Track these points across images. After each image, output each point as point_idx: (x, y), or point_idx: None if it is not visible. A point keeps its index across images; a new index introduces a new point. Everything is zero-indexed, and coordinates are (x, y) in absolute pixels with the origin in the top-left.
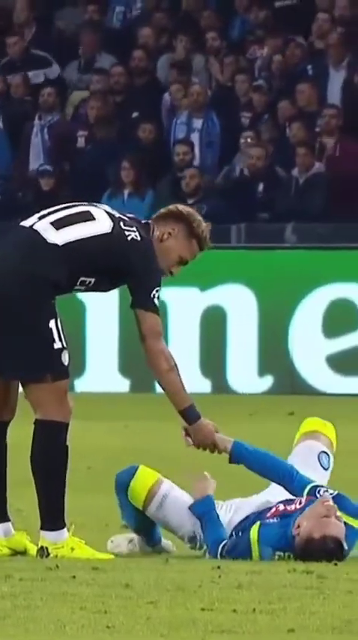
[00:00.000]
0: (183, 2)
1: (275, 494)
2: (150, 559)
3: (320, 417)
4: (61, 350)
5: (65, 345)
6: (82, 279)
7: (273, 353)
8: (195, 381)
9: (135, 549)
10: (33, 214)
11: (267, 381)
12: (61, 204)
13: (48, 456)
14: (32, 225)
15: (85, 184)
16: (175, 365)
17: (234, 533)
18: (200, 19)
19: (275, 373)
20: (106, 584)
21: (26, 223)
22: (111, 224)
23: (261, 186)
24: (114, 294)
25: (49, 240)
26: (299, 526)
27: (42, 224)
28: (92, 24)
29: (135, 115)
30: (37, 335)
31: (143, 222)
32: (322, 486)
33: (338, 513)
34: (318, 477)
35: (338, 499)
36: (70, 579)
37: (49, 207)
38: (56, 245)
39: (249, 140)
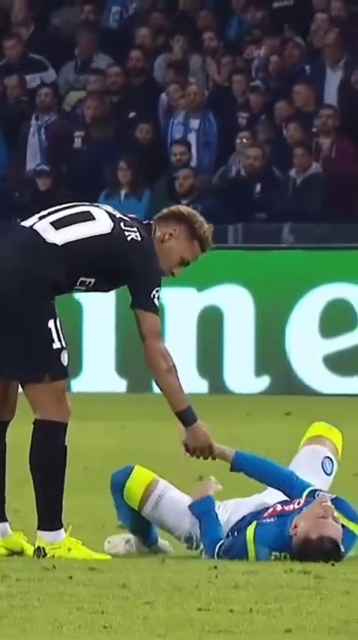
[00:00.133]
0: (180, 2)
1: (272, 495)
2: (146, 559)
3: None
4: (60, 350)
5: (64, 345)
6: (81, 279)
7: (270, 353)
8: (192, 382)
9: (132, 550)
10: (30, 214)
11: (264, 381)
12: (60, 204)
13: (46, 456)
14: (32, 225)
15: (81, 184)
16: (174, 366)
17: (230, 533)
18: (197, 20)
19: (272, 373)
20: (103, 584)
21: (26, 223)
22: (112, 224)
23: (258, 187)
24: (111, 295)
25: (48, 240)
26: (296, 526)
27: (42, 224)
28: (88, 24)
29: (132, 115)
30: (36, 335)
31: (145, 222)
32: (321, 490)
33: (336, 514)
34: (320, 482)
35: (336, 502)
36: (67, 580)
37: (46, 207)
38: (55, 245)
39: (244, 140)
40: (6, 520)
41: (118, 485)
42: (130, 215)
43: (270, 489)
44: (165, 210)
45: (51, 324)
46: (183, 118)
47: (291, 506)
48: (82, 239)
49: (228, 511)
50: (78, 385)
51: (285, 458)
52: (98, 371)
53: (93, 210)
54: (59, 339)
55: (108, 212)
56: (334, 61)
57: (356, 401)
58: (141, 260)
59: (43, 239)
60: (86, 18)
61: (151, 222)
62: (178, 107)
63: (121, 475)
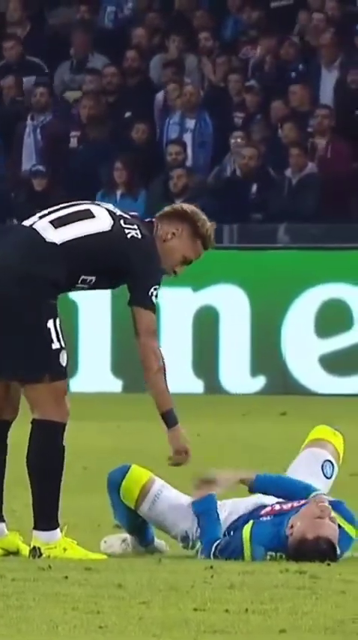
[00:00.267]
0: (175, 2)
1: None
2: (142, 559)
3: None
4: (59, 350)
5: (64, 346)
6: (82, 277)
7: (266, 353)
8: (187, 382)
9: (128, 549)
10: (26, 215)
11: (260, 381)
12: (58, 204)
13: (44, 457)
14: (32, 225)
15: (77, 185)
16: (164, 366)
17: (226, 532)
18: (193, 19)
19: (268, 373)
20: (99, 584)
21: (26, 223)
22: (112, 222)
23: (254, 187)
24: (106, 295)
25: (47, 239)
26: (292, 526)
27: (41, 223)
28: (84, 24)
29: (127, 115)
30: (36, 335)
31: (146, 220)
32: (322, 493)
33: (333, 514)
34: (320, 485)
35: (335, 505)
36: (62, 580)
37: (41, 207)
38: (54, 244)
39: (238, 140)
40: (3, 520)
41: (115, 485)
42: (131, 213)
43: None
44: (167, 208)
45: (50, 324)
46: (178, 118)
47: (290, 505)
48: (82, 237)
49: (227, 510)
50: (73, 385)
51: (281, 458)
52: (94, 371)
53: (93, 208)
54: (58, 340)
55: (108, 210)
56: (329, 61)
57: (352, 401)
58: (141, 258)
59: (43, 238)
60: (82, 18)
61: (153, 219)
62: (175, 107)
63: (118, 474)
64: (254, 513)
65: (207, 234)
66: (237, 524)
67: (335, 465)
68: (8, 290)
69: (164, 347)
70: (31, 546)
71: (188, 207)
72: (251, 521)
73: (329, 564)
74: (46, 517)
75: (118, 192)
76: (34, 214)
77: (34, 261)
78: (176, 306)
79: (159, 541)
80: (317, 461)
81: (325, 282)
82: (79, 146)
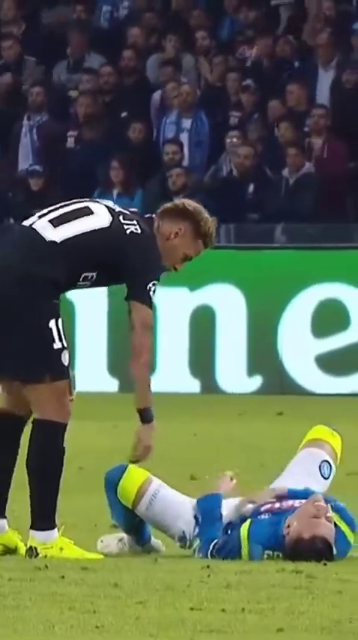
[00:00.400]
0: (172, 2)
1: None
2: (139, 559)
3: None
4: (61, 350)
5: (65, 345)
6: (84, 274)
7: (262, 353)
8: (184, 381)
9: (124, 548)
10: (22, 214)
11: (256, 381)
12: (55, 203)
13: (44, 457)
14: (31, 225)
15: (74, 184)
16: (149, 364)
17: (224, 530)
18: (189, 19)
19: (265, 373)
20: (95, 584)
21: (26, 223)
22: (111, 218)
23: (251, 187)
24: (103, 295)
25: (47, 238)
26: (289, 526)
27: (41, 222)
28: (80, 23)
29: (124, 114)
30: (37, 335)
31: (146, 216)
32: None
33: (330, 514)
34: (318, 485)
35: (338, 508)
36: (59, 579)
37: (39, 207)
38: (54, 242)
39: (234, 140)
40: (5, 517)
41: (112, 484)
42: (131, 209)
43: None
44: (169, 205)
45: (52, 324)
46: (175, 117)
47: (290, 503)
48: (81, 234)
49: (225, 510)
50: None
51: (278, 458)
52: (90, 370)
53: (92, 205)
54: (60, 339)
55: (107, 207)
56: (326, 60)
57: (348, 401)
58: (140, 253)
59: (43, 237)
60: (78, 17)
61: (153, 216)
62: (173, 105)
63: (115, 474)
64: (253, 511)
65: (209, 233)
66: (236, 523)
67: (332, 465)
68: (8, 290)
69: (160, 346)
70: (28, 546)
71: (190, 204)
72: (249, 520)
73: (325, 564)
74: (43, 517)
75: (115, 192)
76: (31, 214)
77: (35, 261)
78: (173, 305)
79: (156, 540)
80: (315, 461)
81: (322, 282)
82: (76, 146)
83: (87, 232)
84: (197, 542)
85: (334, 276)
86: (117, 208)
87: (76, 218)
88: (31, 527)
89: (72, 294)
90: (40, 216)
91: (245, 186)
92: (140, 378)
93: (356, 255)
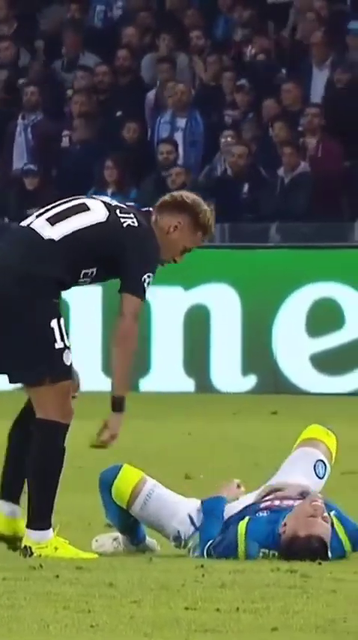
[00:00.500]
0: (166, 1)
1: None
2: (134, 558)
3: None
4: (62, 350)
5: (68, 345)
6: (84, 271)
7: (257, 352)
8: (178, 380)
9: (119, 548)
10: (17, 214)
11: (251, 380)
12: (50, 203)
13: (44, 456)
14: (29, 224)
15: (69, 183)
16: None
17: (222, 528)
18: (184, 18)
19: (259, 372)
20: (90, 583)
21: (24, 222)
22: (107, 213)
23: (245, 187)
24: (97, 293)
25: (45, 237)
26: (285, 524)
27: (39, 222)
28: (74, 23)
29: (119, 114)
30: (38, 335)
31: (143, 209)
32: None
33: (326, 514)
34: (312, 484)
35: (337, 514)
36: (53, 579)
37: (33, 206)
38: (52, 240)
39: (229, 139)
40: (19, 505)
41: (106, 484)
42: (128, 203)
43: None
44: (167, 198)
45: (54, 323)
46: (169, 116)
47: (290, 502)
48: (78, 230)
49: (227, 510)
50: None
51: (272, 457)
52: (85, 370)
53: (88, 201)
54: (62, 339)
55: (103, 202)
56: (320, 60)
57: (343, 400)
58: (137, 245)
59: (41, 236)
60: (72, 17)
61: (150, 209)
62: (168, 105)
63: (110, 473)
64: (251, 507)
65: (208, 224)
66: (233, 520)
67: (327, 464)
68: (8, 290)
69: (155, 345)
70: (22, 545)
71: (187, 196)
72: (247, 517)
73: (320, 563)
74: (40, 517)
75: (109, 191)
76: (25, 213)
77: (34, 260)
78: (167, 304)
79: (151, 540)
80: (310, 460)
81: (316, 281)
82: (71, 145)
83: (84, 228)
84: (192, 542)
85: (328, 275)
86: (114, 202)
87: (72, 215)
88: (27, 526)
89: (66, 294)
90: (37, 216)
91: (239, 185)
92: (123, 364)
93: (350, 255)
